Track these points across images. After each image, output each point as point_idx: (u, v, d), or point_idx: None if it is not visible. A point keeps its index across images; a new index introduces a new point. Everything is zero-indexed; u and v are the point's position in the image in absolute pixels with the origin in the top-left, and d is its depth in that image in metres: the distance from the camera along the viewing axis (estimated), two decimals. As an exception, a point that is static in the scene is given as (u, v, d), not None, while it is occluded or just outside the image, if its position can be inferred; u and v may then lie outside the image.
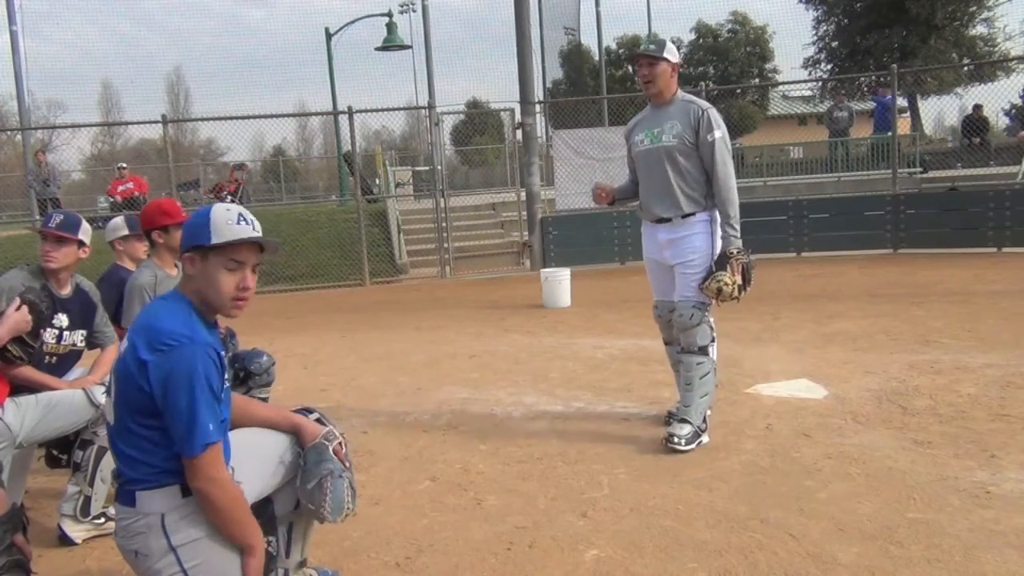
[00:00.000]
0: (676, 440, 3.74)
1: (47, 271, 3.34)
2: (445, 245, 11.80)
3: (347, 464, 2.32)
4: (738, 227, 3.80)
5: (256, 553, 2.10)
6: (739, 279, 3.74)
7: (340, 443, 2.34)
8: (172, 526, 2.02)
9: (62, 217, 3.36)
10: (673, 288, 3.98)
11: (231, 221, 2.13)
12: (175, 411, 1.98)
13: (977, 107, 16.91)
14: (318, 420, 2.45)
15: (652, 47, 3.86)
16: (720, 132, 3.81)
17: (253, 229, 2.16)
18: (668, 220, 3.91)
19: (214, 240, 2.12)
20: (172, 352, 1.99)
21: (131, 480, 2.05)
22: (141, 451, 2.04)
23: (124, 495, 2.07)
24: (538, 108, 13.43)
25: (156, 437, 2.03)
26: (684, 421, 3.81)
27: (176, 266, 3.62)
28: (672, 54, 3.87)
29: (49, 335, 3.34)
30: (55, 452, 3.25)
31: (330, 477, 2.24)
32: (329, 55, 18.02)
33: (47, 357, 3.36)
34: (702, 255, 3.83)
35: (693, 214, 3.86)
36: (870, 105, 17.84)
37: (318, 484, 2.23)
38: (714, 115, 3.82)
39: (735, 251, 3.75)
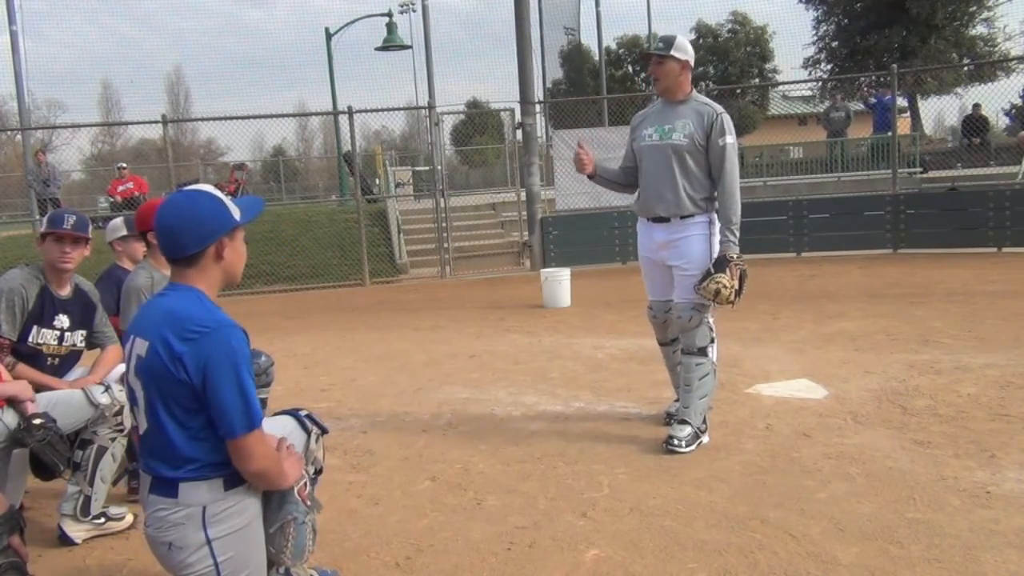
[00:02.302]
0: (676, 442, 3.75)
1: (57, 271, 3.36)
2: (445, 245, 11.80)
3: (309, 504, 2.29)
4: (738, 234, 3.78)
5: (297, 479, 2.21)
6: (736, 284, 3.70)
7: (305, 483, 2.29)
8: (212, 519, 2.04)
9: (75, 217, 3.38)
10: (668, 288, 3.99)
11: (225, 197, 2.21)
12: (224, 394, 1.98)
13: (976, 106, 16.91)
14: (308, 417, 2.45)
15: (660, 46, 3.85)
16: (731, 139, 3.81)
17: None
18: (667, 220, 3.88)
19: (239, 218, 2.18)
20: (205, 338, 1.99)
21: (173, 475, 2.04)
22: (185, 448, 2.03)
23: (164, 487, 2.06)
24: (538, 108, 13.42)
25: (200, 431, 2.03)
26: (683, 423, 3.82)
27: None
28: (682, 52, 3.83)
29: (51, 336, 3.35)
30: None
31: (293, 523, 2.22)
32: (329, 55, 18.04)
33: (49, 359, 3.37)
34: (700, 258, 3.81)
35: (692, 216, 3.84)
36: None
37: (280, 528, 2.21)
38: (727, 120, 3.82)
39: (734, 256, 3.73)
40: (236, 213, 2.18)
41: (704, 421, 3.88)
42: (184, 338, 1.99)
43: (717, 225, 3.83)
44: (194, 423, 2.03)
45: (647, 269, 4.10)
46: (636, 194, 4.08)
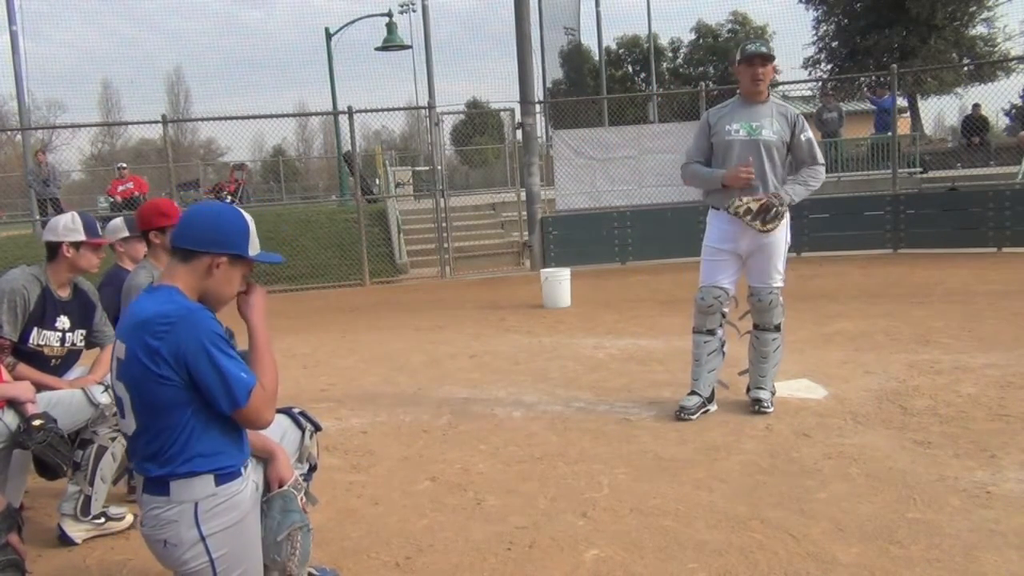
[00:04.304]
0: (765, 405, 4.28)
1: (77, 274, 3.39)
2: (445, 245, 11.80)
3: (306, 512, 2.31)
4: (799, 198, 4.27)
5: (279, 456, 2.30)
6: (754, 206, 4.10)
7: (304, 493, 2.32)
8: (204, 515, 2.05)
9: (98, 223, 3.46)
10: (727, 276, 4.31)
11: (255, 233, 2.21)
12: (205, 378, 2.00)
13: (975, 106, 16.91)
14: (301, 414, 2.48)
15: (763, 50, 4.19)
16: (811, 133, 4.30)
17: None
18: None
19: (252, 254, 2.19)
20: (174, 328, 2.01)
21: (163, 473, 2.06)
22: (173, 446, 2.04)
23: (155, 485, 2.07)
24: (538, 108, 13.43)
25: (184, 426, 2.04)
26: (762, 388, 4.36)
27: None
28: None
29: (54, 339, 3.35)
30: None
31: (300, 531, 2.23)
32: (329, 55, 18.04)
33: (52, 360, 3.37)
34: (780, 242, 4.28)
35: None
36: (868, 105, 17.80)
37: (288, 537, 2.21)
38: (803, 119, 4.31)
39: (777, 196, 4.15)
40: (254, 249, 2.20)
41: (773, 383, 4.42)
42: (156, 334, 2.01)
43: (789, 214, 4.28)
44: (178, 421, 2.04)
45: (714, 258, 4.33)
46: (712, 189, 4.33)
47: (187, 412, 2.03)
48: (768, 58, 4.16)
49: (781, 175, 4.27)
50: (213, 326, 2.05)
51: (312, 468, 2.52)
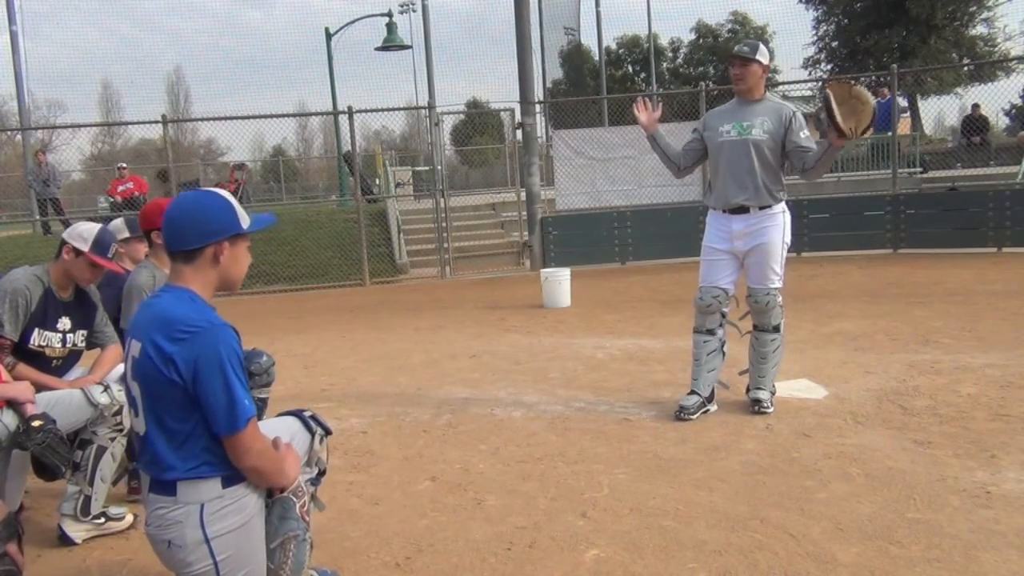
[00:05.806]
0: (764, 405, 4.27)
1: (73, 281, 3.38)
2: (445, 245, 11.80)
3: (307, 520, 2.29)
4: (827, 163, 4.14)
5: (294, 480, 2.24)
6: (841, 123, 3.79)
7: (305, 502, 2.29)
8: (209, 517, 2.05)
9: (114, 245, 3.46)
10: (725, 276, 4.31)
11: (238, 206, 2.23)
12: (212, 393, 2.00)
13: (975, 106, 16.92)
14: (312, 418, 2.47)
15: (745, 49, 4.20)
16: (808, 132, 4.21)
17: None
18: (745, 211, 4.21)
19: (245, 227, 2.19)
20: (195, 338, 2.01)
21: (170, 475, 2.06)
22: (180, 449, 2.05)
23: (162, 486, 2.08)
24: (538, 108, 13.44)
25: (193, 430, 2.04)
26: (761, 389, 4.34)
27: None
28: (764, 56, 4.18)
29: (55, 339, 3.35)
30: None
31: (294, 540, 2.22)
32: (329, 55, 18.07)
33: (53, 361, 3.37)
34: (776, 243, 4.24)
35: (770, 206, 4.22)
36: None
37: (281, 545, 2.20)
38: (801, 116, 4.22)
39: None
40: (245, 221, 2.20)
41: (773, 384, 4.40)
42: (174, 339, 2.01)
43: (788, 215, 4.29)
44: (188, 423, 2.04)
45: (710, 257, 4.36)
46: (710, 189, 4.43)
47: (196, 415, 2.03)
48: (744, 59, 4.13)
49: (775, 176, 4.22)
50: (235, 346, 2.06)
51: (321, 473, 2.51)
